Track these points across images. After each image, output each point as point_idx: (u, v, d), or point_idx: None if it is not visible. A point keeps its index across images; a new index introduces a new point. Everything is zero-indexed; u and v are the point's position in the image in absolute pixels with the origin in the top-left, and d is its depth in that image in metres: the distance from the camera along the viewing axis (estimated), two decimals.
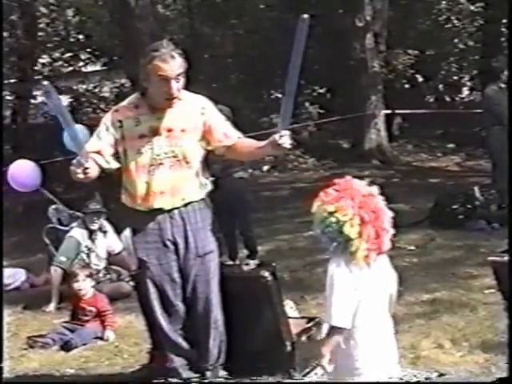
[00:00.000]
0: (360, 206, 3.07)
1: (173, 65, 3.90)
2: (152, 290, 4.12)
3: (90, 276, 6.17)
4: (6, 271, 7.69)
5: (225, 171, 7.65)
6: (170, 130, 4.05)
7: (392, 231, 3.16)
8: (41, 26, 17.87)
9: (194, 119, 4.11)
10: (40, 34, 17.82)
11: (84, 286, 6.02)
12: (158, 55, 3.90)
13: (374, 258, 3.11)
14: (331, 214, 3.07)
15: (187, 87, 4.14)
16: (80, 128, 7.28)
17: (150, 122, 4.03)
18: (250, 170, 7.52)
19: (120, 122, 4.04)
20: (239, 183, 7.34)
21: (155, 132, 4.03)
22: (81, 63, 18.67)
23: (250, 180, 7.67)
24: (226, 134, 4.19)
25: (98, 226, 7.15)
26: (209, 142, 4.18)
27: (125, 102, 4.17)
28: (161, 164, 4.02)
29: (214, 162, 7.75)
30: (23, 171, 7.61)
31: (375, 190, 3.18)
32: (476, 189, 8.50)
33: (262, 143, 4.02)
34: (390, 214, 3.17)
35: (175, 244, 4.09)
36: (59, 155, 14.49)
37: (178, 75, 3.94)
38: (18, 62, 16.18)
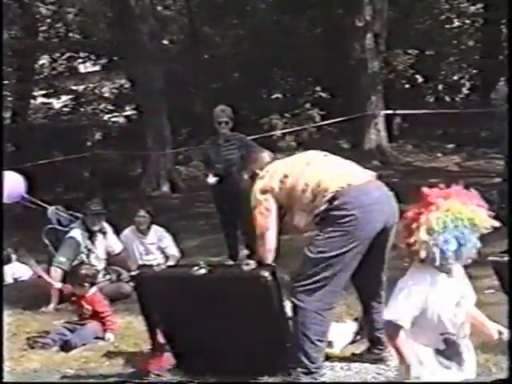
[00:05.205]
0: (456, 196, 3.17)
1: None
2: None
3: (89, 276, 6.17)
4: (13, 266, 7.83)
5: (228, 170, 7.64)
6: None
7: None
8: (41, 26, 17.90)
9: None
10: (41, 34, 17.86)
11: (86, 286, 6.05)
12: None
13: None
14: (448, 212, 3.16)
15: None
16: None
17: None
18: None
19: None
20: (242, 182, 7.29)
21: None
22: (80, 63, 18.68)
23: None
24: None
25: (99, 228, 7.15)
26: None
27: None
28: None
29: (217, 162, 7.78)
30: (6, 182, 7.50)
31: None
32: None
33: None
34: None
35: None
36: (59, 155, 14.55)
37: None
38: (18, 61, 16.19)
